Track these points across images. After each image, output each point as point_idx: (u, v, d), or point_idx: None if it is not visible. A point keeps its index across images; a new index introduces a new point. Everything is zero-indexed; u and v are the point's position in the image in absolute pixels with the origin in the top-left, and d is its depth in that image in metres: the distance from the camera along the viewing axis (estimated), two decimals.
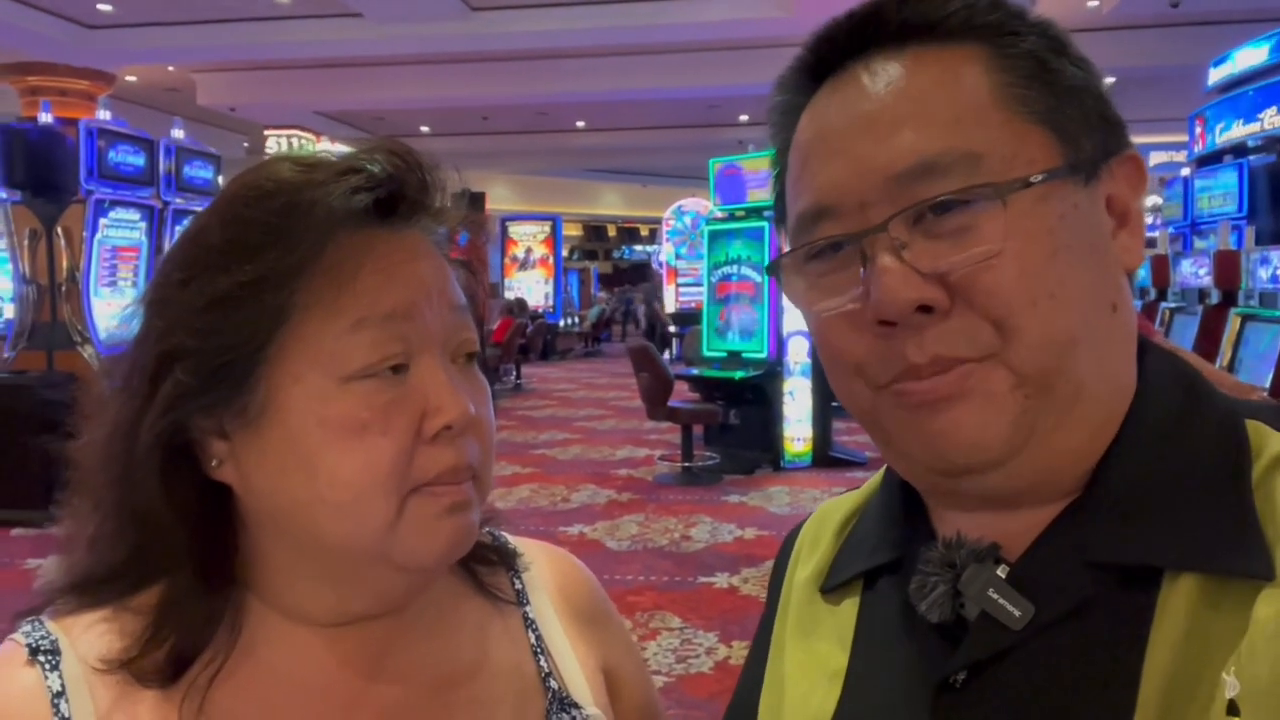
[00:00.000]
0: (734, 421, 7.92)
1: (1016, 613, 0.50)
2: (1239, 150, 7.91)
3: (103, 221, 7.09)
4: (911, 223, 0.51)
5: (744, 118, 16.15)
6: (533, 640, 0.73)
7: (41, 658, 0.60)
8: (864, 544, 0.63)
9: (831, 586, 0.64)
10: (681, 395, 8.02)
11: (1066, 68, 0.53)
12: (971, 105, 0.52)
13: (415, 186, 0.62)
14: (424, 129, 17.28)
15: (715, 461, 7.80)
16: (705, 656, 4.02)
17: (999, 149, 0.51)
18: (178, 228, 7.72)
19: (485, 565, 0.74)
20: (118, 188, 7.21)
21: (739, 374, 7.82)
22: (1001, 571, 0.52)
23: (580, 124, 17.38)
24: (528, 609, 0.74)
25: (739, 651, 4.06)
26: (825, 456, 7.89)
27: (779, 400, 7.80)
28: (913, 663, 0.55)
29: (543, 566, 0.78)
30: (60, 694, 0.58)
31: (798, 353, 7.81)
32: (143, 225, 7.47)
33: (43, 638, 0.61)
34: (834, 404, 8.50)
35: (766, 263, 7.87)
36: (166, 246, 7.55)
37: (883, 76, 0.53)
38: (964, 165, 0.50)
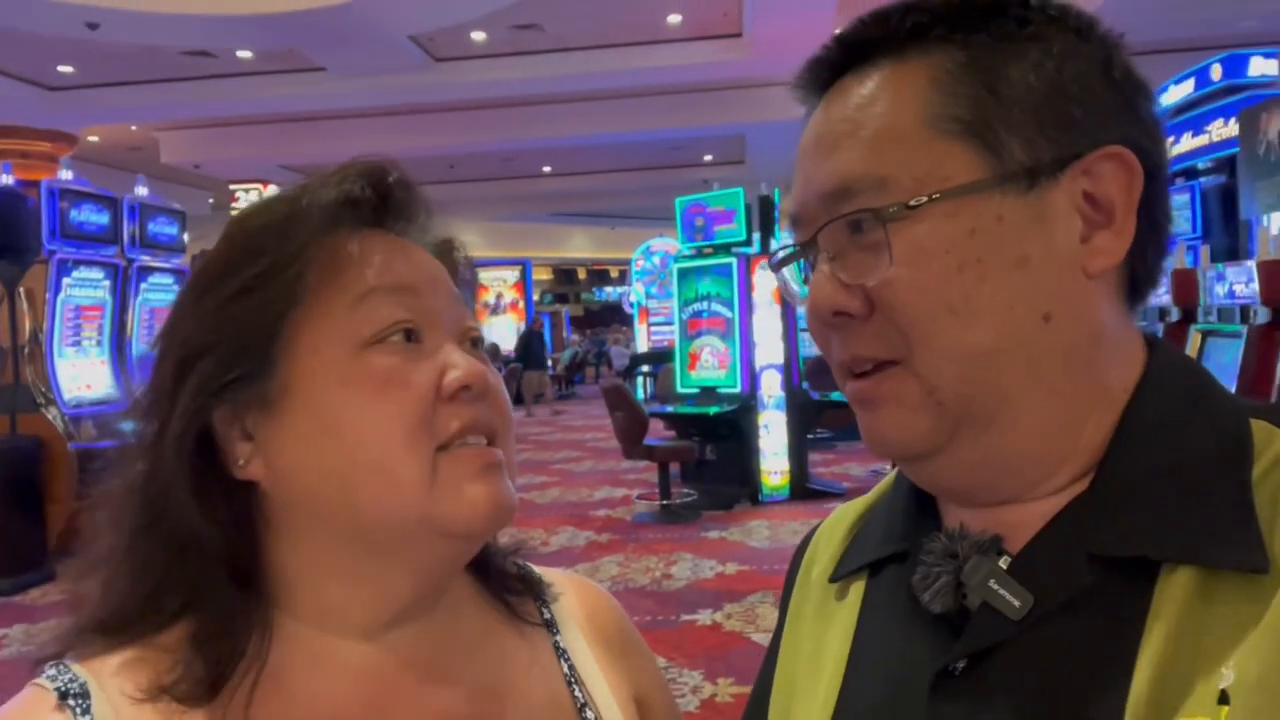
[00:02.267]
0: (710, 457, 7.92)
1: (1016, 603, 0.52)
2: (1190, 173, 8.13)
3: (66, 281, 7.01)
4: (848, 235, 0.55)
5: (708, 157, 16.36)
6: (566, 670, 0.72)
7: (71, 701, 0.58)
8: (872, 537, 0.65)
9: (839, 576, 0.66)
10: (657, 433, 8.00)
11: (1021, 74, 0.53)
12: (895, 128, 0.54)
13: (400, 195, 0.66)
14: None
15: (693, 498, 7.78)
16: (691, 695, 3.97)
17: (910, 171, 0.53)
18: (142, 285, 7.67)
19: (514, 595, 0.74)
20: (81, 247, 7.15)
21: (713, 409, 7.83)
22: (1003, 563, 0.53)
23: (547, 169, 17.52)
24: (558, 638, 0.74)
25: (725, 689, 4.02)
26: (803, 489, 7.89)
27: (754, 434, 7.81)
28: (914, 651, 0.56)
29: (571, 596, 0.78)
30: None
31: (771, 386, 7.84)
32: (106, 284, 7.40)
33: (70, 680, 0.59)
34: (809, 436, 8.54)
35: (735, 299, 7.96)
36: (131, 304, 7.52)
37: (839, 99, 0.57)
38: (872, 188, 0.53)
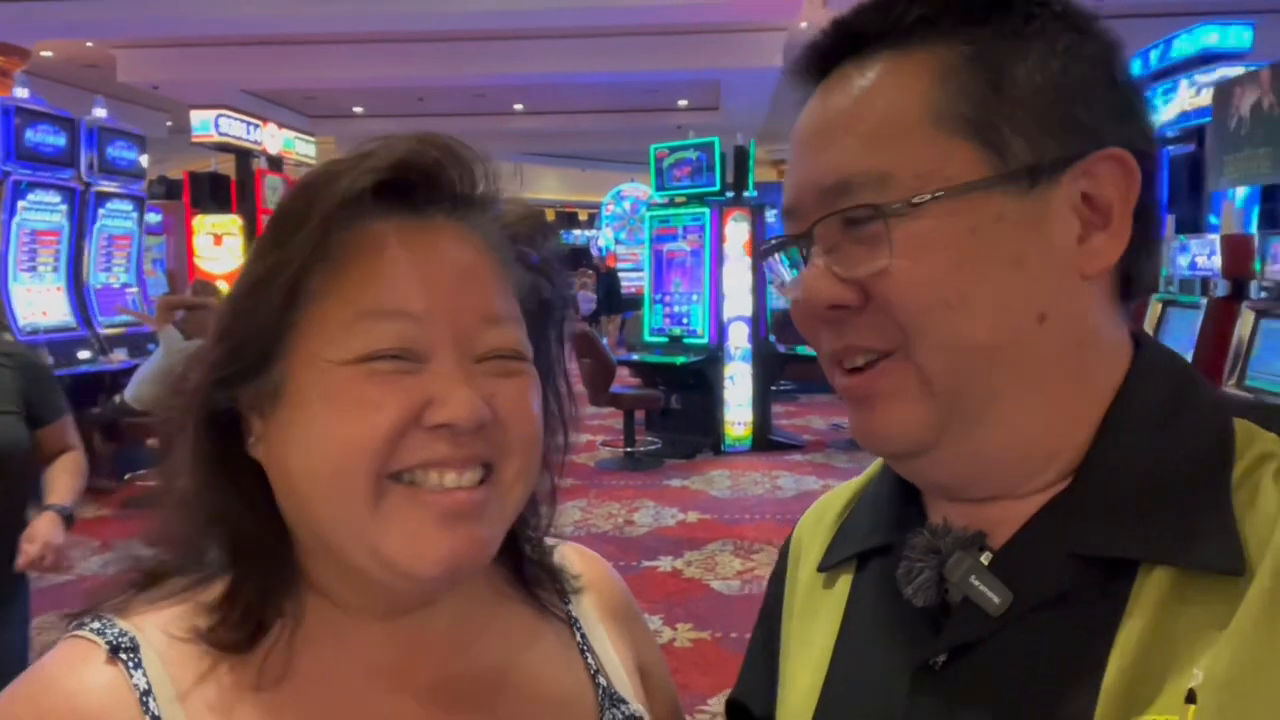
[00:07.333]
0: (675, 406, 7.97)
1: (996, 599, 0.52)
2: (1160, 141, 8.18)
3: (21, 204, 6.80)
4: (843, 229, 0.54)
5: (683, 102, 16.16)
6: (579, 638, 0.74)
7: (123, 655, 0.58)
8: (859, 527, 0.66)
9: (827, 566, 0.66)
10: (623, 381, 8.01)
11: (1027, 72, 0.53)
12: (898, 122, 0.53)
13: (450, 174, 0.62)
14: (357, 110, 16.90)
15: (657, 446, 7.85)
16: None
17: (912, 167, 0.52)
18: (100, 210, 7.45)
19: (525, 561, 0.75)
20: (37, 169, 6.92)
21: (680, 359, 7.85)
22: (985, 559, 0.54)
23: (518, 107, 17.20)
24: (570, 607, 0.75)
25: (684, 634, 4.10)
26: (765, 440, 7.98)
27: (720, 385, 7.86)
28: (896, 644, 0.58)
29: (577, 566, 0.79)
30: (148, 692, 0.57)
31: (738, 338, 7.87)
32: (63, 208, 7.19)
33: (120, 635, 0.59)
34: (773, 388, 8.60)
35: (707, 249, 7.93)
36: (89, 230, 7.31)
37: (838, 90, 0.56)
38: (873, 184, 0.53)
